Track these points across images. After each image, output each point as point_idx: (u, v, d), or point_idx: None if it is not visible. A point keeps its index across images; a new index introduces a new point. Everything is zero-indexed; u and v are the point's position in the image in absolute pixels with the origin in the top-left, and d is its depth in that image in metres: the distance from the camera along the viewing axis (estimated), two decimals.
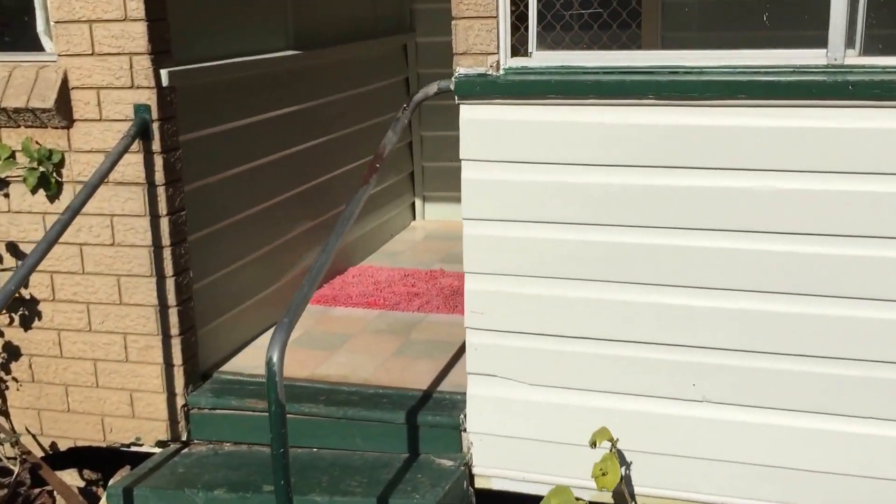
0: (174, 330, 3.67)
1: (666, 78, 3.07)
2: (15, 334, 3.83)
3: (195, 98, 3.71)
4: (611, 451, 3.20)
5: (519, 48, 3.29)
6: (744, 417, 3.26)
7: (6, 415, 3.92)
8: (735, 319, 3.19)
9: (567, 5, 4.71)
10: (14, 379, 3.88)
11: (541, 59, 3.24)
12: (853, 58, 2.96)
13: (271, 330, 4.50)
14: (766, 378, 3.19)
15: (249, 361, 4.08)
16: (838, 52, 2.97)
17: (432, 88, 3.35)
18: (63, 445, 3.92)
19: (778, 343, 3.15)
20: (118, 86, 3.47)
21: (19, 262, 3.68)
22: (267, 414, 3.75)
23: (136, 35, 3.40)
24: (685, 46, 4.56)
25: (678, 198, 3.13)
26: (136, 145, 3.47)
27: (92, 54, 3.46)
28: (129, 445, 3.83)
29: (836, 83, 2.93)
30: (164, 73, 3.47)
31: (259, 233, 4.29)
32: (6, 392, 3.90)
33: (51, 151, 3.57)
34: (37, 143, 3.59)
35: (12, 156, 3.61)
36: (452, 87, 3.25)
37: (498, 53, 3.23)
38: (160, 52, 3.47)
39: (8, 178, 3.65)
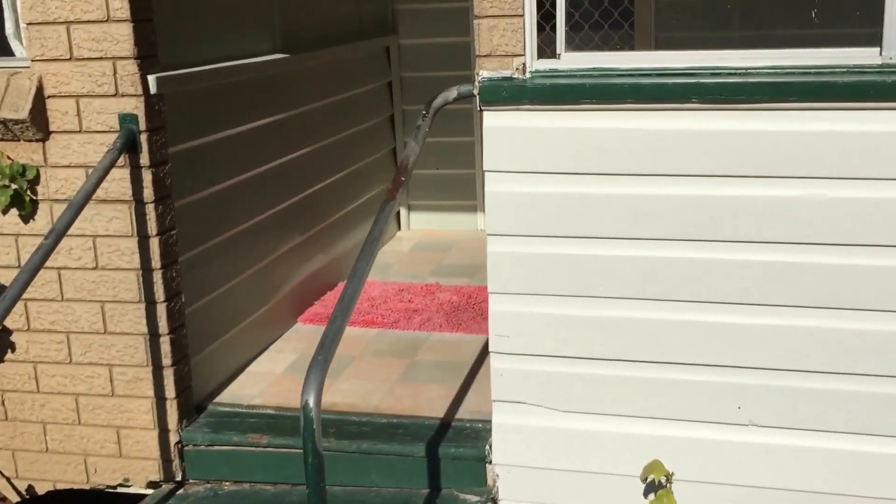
0: (166, 360, 3.34)
1: (711, 80, 2.83)
2: None
3: (183, 106, 3.39)
4: (667, 486, 2.95)
5: (545, 49, 3.03)
6: (794, 442, 3.03)
7: None
8: (783, 337, 2.96)
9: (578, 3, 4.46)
10: None
11: (570, 60, 2.99)
12: None
13: (266, 354, 4.26)
14: (817, 399, 2.97)
15: (246, 390, 3.76)
16: (894, 50, 2.75)
17: (452, 93, 3.07)
18: (41, 489, 3.56)
19: (830, 362, 2.93)
20: (100, 94, 3.13)
21: None
22: (272, 450, 3.49)
23: (121, 37, 3.07)
24: (682, 47, 4.35)
25: (722, 208, 2.89)
26: (121, 159, 3.13)
27: (70, 59, 3.12)
28: (115, 487, 3.49)
29: (894, 84, 2.71)
30: (151, 79, 3.14)
31: (250, 250, 3.98)
32: None
33: (24, 167, 3.23)
34: (8, 157, 3.24)
35: None
36: (476, 91, 2.97)
37: (524, 55, 2.96)
38: (146, 56, 3.14)
39: None
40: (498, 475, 3.27)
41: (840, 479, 3.00)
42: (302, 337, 4.28)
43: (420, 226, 5.95)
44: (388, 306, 4.57)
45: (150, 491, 3.44)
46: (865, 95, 2.74)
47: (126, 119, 3.11)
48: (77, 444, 3.46)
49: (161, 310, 3.29)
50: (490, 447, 3.28)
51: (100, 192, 3.16)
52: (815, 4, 3.10)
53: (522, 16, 2.93)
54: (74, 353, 3.38)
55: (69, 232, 3.14)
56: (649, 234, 2.96)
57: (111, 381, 3.38)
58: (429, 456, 3.30)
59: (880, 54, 2.77)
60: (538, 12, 2.96)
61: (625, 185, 2.94)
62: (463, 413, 3.53)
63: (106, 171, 2.99)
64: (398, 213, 5.93)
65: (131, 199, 3.20)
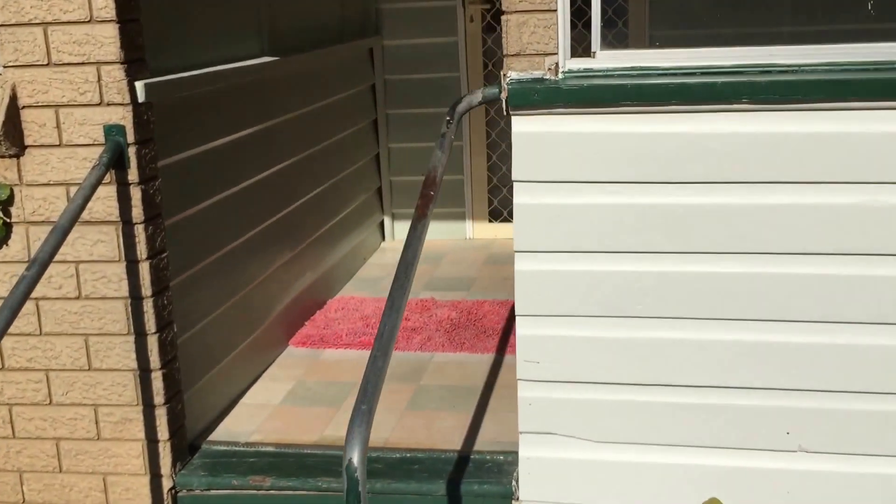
0: (158, 398, 3.02)
1: (763, 78, 2.58)
2: None
3: (171, 115, 3.07)
4: None
5: (575, 47, 2.77)
6: (847, 468, 2.81)
7: None
8: (837, 356, 2.73)
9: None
10: None
11: (606, 59, 2.72)
12: None
13: (260, 383, 3.90)
14: (871, 421, 2.75)
15: (242, 425, 3.44)
16: None
17: (476, 97, 2.79)
18: None
19: (886, 381, 2.70)
20: (83, 103, 2.80)
21: None
22: (276, 493, 3.15)
23: (106, 40, 2.75)
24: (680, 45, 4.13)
25: (778, 218, 2.65)
26: (106, 175, 2.81)
27: (48, 65, 2.79)
28: None
29: None
30: (139, 85, 2.82)
31: (240, 269, 3.66)
32: None
33: None
34: None
35: None
36: (504, 94, 2.70)
37: (557, 54, 2.69)
38: (133, 60, 2.82)
39: None
40: None
41: None
42: (296, 362, 3.97)
43: (405, 235, 5.64)
44: None
45: None
46: None
47: (112, 131, 2.78)
48: (58, 494, 3.12)
49: (152, 342, 2.97)
50: (516, 482, 3.00)
51: (83, 213, 2.83)
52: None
53: (555, 10, 2.66)
54: (55, 393, 3.04)
55: None
56: (695, 247, 2.71)
57: (97, 422, 3.04)
58: (450, 494, 3.02)
59: None
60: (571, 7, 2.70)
61: (668, 195, 2.69)
62: (481, 444, 3.26)
63: (92, 189, 2.66)
64: (381, 223, 5.63)
65: (118, 219, 2.87)
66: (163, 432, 3.04)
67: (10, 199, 2.90)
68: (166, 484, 3.08)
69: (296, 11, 4.27)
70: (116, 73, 2.77)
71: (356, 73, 5.10)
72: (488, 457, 3.16)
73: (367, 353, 4.00)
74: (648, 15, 5.01)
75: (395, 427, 3.37)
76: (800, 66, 2.63)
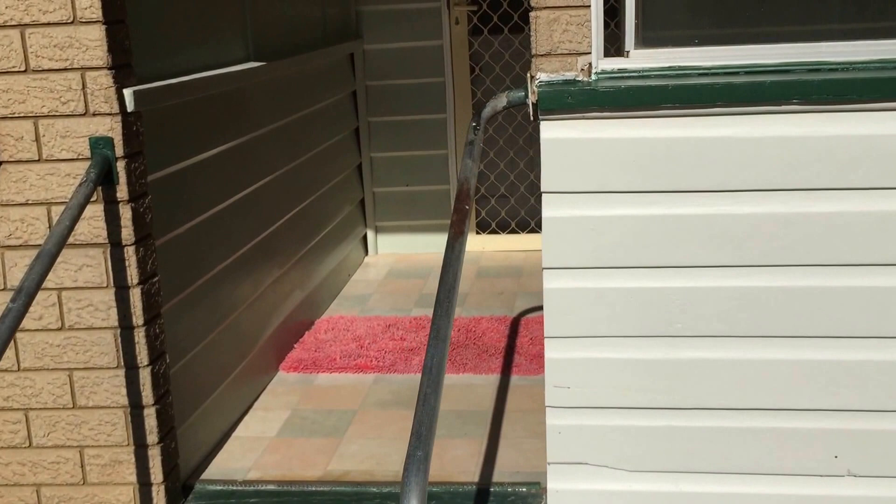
0: (151, 437, 2.74)
1: (816, 77, 2.39)
2: None
3: (160, 125, 2.81)
4: None
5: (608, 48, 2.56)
6: None
7: None
8: (888, 373, 2.55)
9: None
10: None
11: (641, 59, 2.52)
12: None
13: (252, 413, 3.56)
14: None
15: (238, 461, 3.16)
16: None
17: (500, 102, 2.57)
18: None
19: None
20: (65, 113, 2.53)
21: None
22: None
23: (91, 43, 2.47)
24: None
25: (832, 226, 2.46)
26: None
27: (25, 71, 2.51)
28: None
29: None
30: (127, 93, 2.55)
31: (231, 292, 3.39)
32: None
33: None
34: None
35: None
36: (533, 98, 2.47)
37: (591, 53, 2.48)
38: (121, 65, 2.55)
39: None
40: None
41: None
42: (289, 389, 3.70)
43: (389, 249, 5.40)
44: (380, 346, 4.03)
45: None
46: None
47: (99, 143, 2.51)
48: None
49: (144, 375, 2.69)
50: None
51: None
52: None
53: (588, 6, 2.44)
54: (35, 435, 2.75)
55: None
56: (741, 259, 2.51)
57: (82, 466, 2.75)
58: None
59: None
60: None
61: (711, 204, 2.48)
62: (500, 475, 3.03)
63: (80, 209, 2.38)
64: (364, 237, 5.37)
65: (106, 241, 2.60)
66: (156, 474, 2.77)
67: None
68: None
69: (280, 14, 4.01)
70: (103, 80, 2.50)
71: (337, 80, 4.84)
72: (509, 489, 2.94)
73: (363, 377, 3.77)
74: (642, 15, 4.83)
75: (404, 457, 3.12)
76: (850, 63, 2.45)
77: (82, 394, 2.71)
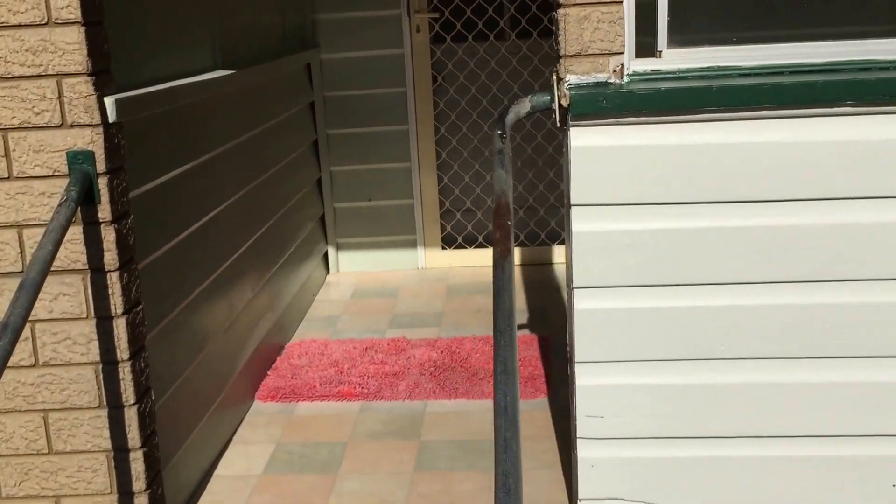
0: (138, 483, 2.46)
1: (869, 76, 2.24)
2: None
3: (140, 136, 2.53)
4: None
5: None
6: None
7: None
8: None
9: None
10: None
11: (675, 59, 2.35)
12: None
13: (233, 448, 3.20)
14: None
15: (223, 502, 2.89)
16: None
17: (524, 107, 2.37)
18: None
19: None
20: (39, 125, 2.24)
21: None
22: None
23: (68, 46, 2.20)
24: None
25: (884, 239, 2.31)
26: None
27: None
28: None
29: None
30: (109, 102, 2.27)
31: (207, 318, 3.11)
32: None
33: None
34: None
35: None
36: (563, 102, 2.27)
37: (623, 53, 2.29)
38: (100, 71, 2.28)
39: None
40: None
41: None
42: (269, 420, 3.43)
43: (352, 267, 5.15)
44: (360, 371, 3.78)
45: None
46: None
47: (78, 158, 2.23)
48: None
49: (130, 415, 2.41)
50: None
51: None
52: None
53: (621, 2, 2.26)
54: (5, 485, 2.44)
55: None
56: (789, 275, 2.35)
57: None
58: None
59: None
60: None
61: (759, 215, 2.33)
62: None
63: (63, 232, 2.10)
64: (325, 254, 5.11)
65: (85, 266, 2.31)
66: None
67: None
68: None
69: (246, 21, 3.74)
70: (82, 88, 2.22)
71: (295, 90, 4.58)
72: None
73: (348, 405, 3.52)
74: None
75: (410, 496, 2.89)
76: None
77: (59, 437, 2.41)
